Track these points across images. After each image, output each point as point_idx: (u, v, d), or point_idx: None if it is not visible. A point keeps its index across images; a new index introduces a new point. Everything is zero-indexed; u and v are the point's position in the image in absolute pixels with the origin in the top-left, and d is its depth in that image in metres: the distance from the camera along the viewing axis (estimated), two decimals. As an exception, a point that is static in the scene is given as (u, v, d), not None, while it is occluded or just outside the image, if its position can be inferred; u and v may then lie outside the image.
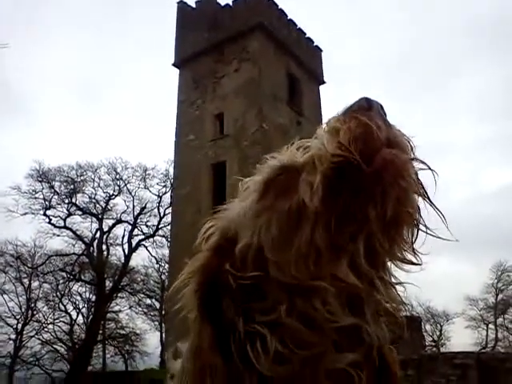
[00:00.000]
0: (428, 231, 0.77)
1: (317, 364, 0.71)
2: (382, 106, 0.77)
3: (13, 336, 35.88)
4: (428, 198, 0.77)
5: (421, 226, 0.76)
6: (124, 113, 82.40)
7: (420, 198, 0.76)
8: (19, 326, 36.16)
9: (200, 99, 23.49)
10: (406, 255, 0.77)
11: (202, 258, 0.85)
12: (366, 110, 0.75)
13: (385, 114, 0.76)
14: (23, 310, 36.79)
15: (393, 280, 0.79)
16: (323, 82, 27.11)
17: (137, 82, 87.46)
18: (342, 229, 0.71)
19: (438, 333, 43.10)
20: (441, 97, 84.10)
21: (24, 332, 36.25)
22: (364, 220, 0.70)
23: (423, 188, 0.77)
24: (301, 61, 24.98)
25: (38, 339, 36.58)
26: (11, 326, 36.03)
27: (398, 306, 0.78)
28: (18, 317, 36.52)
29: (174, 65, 25.66)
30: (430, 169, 0.78)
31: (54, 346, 36.70)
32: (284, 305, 0.72)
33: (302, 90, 24.75)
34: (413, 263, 0.78)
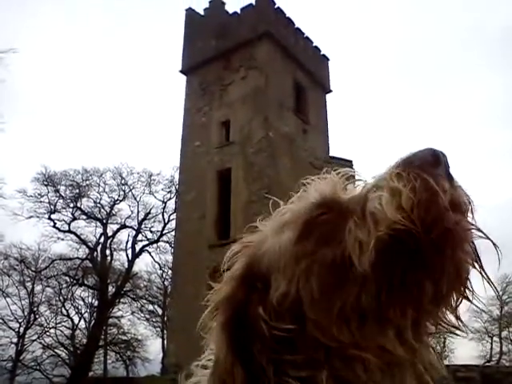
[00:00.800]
0: (474, 297, 0.77)
1: None
2: (447, 160, 0.71)
3: (15, 340, 35.89)
4: (483, 270, 0.74)
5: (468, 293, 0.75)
6: (130, 119, 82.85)
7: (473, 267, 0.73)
8: (21, 329, 36.16)
9: (207, 106, 23.56)
10: (450, 320, 0.77)
11: (228, 288, 0.81)
12: (431, 165, 0.69)
13: (450, 169, 0.71)
14: (26, 313, 36.81)
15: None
16: (330, 91, 27.12)
17: (144, 89, 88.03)
18: (393, 299, 0.68)
19: (441, 345, 42.76)
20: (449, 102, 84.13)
21: (26, 336, 36.24)
22: (418, 294, 0.68)
23: (479, 259, 0.73)
24: (308, 69, 25.02)
25: (40, 343, 36.56)
26: (13, 330, 36.05)
27: (436, 369, 0.77)
28: (20, 320, 36.55)
29: (181, 71, 25.78)
30: (487, 238, 0.74)
31: (56, 351, 36.64)
32: (322, 366, 0.70)
33: (309, 98, 24.77)
34: (455, 327, 0.78)
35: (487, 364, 31.73)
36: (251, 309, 0.77)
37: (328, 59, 27.79)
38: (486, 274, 0.74)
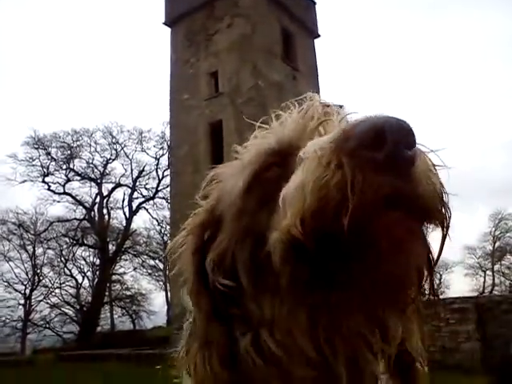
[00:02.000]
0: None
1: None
2: (400, 136, 0.57)
3: (22, 301, 36.69)
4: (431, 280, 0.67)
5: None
6: (117, 76, 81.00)
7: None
8: (27, 291, 36.89)
9: (193, 57, 23.06)
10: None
11: (198, 219, 0.84)
12: (368, 146, 0.56)
13: (402, 149, 0.57)
14: (29, 276, 37.42)
15: None
16: (318, 36, 26.54)
17: (129, 44, 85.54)
18: (302, 299, 0.64)
19: (437, 281, 44.10)
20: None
21: (32, 297, 37.03)
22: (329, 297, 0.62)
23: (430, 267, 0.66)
24: (294, 14, 24.36)
25: (47, 303, 37.43)
26: (19, 292, 36.78)
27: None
28: (25, 283, 37.22)
29: (165, 23, 25.06)
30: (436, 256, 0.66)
31: (63, 309, 37.57)
32: (249, 330, 0.72)
33: (297, 44, 24.26)
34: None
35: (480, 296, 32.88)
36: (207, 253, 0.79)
37: (315, 3, 27.02)
38: (433, 289, 0.68)
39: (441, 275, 43.89)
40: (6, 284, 36.30)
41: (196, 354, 0.77)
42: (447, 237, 0.65)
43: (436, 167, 0.63)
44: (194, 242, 0.82)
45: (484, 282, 42.07)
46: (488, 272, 42.16)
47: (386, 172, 0.56)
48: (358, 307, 0.63)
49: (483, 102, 79.41)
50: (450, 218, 0.64)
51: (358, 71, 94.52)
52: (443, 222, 0.63)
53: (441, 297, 35.18)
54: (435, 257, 0.66)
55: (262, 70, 21.22)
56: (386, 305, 0.65)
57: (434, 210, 0.61)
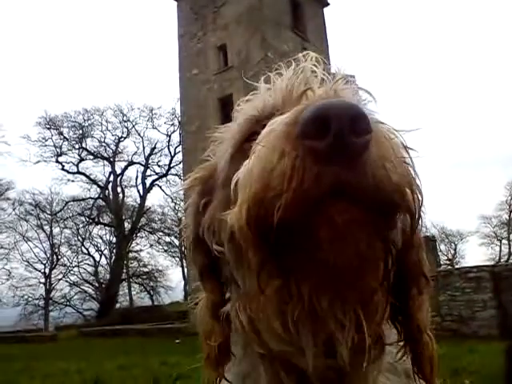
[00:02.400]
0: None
1: None
2: (355, 120, 0.55)
3: (42, 280, 37.53)
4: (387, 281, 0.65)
5: None
6: (125, 53, 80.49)
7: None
8: (47, 270, 37.68)
9: (201, 31, 22.71)
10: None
11: (198, 180, 0.89)
12: (311, 135, 0.55)
13: (348, 137, 0.54)
14: (48, 255, 38.14)
15: None
16: (327, 4, 25.90)
17: (136, 20, 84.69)
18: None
19: (452, 252, 43.96)
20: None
21: (52, 276, 37.84)
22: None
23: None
24: (302, -18, 23.74)
25: (66, 281, 38.24)
26: (39, 271, 37.59)
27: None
28: (44, 262, 37.98)
29: (170, -3, 24.64)
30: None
31: (82, 287, 38.36)
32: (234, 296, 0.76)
33: (306, 13, 23.71)
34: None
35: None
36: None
37: (323, -31, 26.29)
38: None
39: (456, 245, 43.74)
40: (26, 263, 37.14)
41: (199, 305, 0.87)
42: (417, 224, 0.63)
43: (401, 151, 0.60)
44: (195, 202, 0.87)
45: (500, 252, 41.80)
46: (504, 241, 41.85)
47: (329, 162, 0.54)
48: (317, 292, 0.62)
49: (500, 73, 77.52)
50: (417, 204, 0.62)
51: (368, 39, 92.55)
52: (408, 210, 0.61)
53: (456, 266, 35.23)
54: (398, 244, 0.65)
55: (271, 42, 20.85)
56: (345, 291, 0.63)
57: (389, 198, 0.57)
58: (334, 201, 0.55)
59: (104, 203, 37.36)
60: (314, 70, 0.78)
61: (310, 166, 0.54)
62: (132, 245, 38.61)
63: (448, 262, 41.48)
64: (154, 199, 52.55)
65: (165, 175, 37.94)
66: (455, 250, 43.98)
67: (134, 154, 37.94)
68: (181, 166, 28.65)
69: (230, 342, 0.83)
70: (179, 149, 32.50)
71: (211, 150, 0.90)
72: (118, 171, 37.89)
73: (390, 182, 0.57)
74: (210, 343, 0.83)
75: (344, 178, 0.54)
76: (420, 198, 0.62)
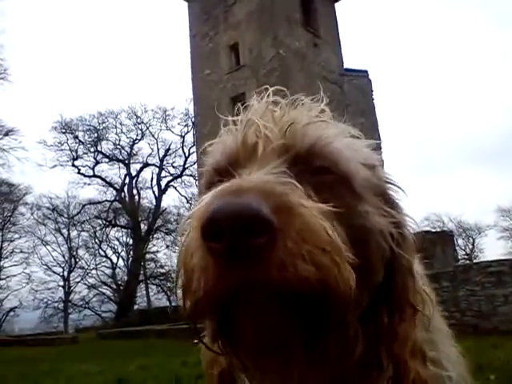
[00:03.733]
0: None
1: None
2: (248, 222, 0.56)
3: (61, 283, 37.98)
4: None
5: None
6: (137, 56, 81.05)
7: None
8: (65, 273, 38.13)
9: (212, 31, 22.74)
10: None
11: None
12: (212, 239, 0.57)
13: (257, 231, 0.56)
14: (66, 258, 38.59)
15: None
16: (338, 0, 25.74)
17: (148, 22, 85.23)
18: None
19: (470, 246, 43.40)
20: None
21: (70, 278, 38.27)
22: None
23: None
24: (312, -22, 23.61)
25: (84, 284, 38.63)
26: (58, 274, 38.06)
27: None
28: (62, 265, 38.43)
29: (181, -2, 24.73)
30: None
31: (100, 289, 38.71)
32: None
33: (317, 9, 23.58)
34: None
35: (517, 259, 32.17)
36: None
37: (333, -36, 26.09)
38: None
39: (474, 239, 43.17)
40: (45, 267, 37.63)
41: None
42: (327, 311, 0.63)
43: (320, 239, 0.60)
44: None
45: (520, 245, 41.12)
46: (524, 234, 41.15)
47: (229, 262, 0.56)
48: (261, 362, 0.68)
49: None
50: (342, 290, 0.61)
51: (380, 34, 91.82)
52: (329, 298, 0.61)
53: (475, 261, 34.84)
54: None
55: (282, 39, 20.78)
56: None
57: (301, 291, 0.58)
58: (241, 297, 0.59)
59: (120, 205, 37.65)
60: (263, 123, 0.78)
61: (212, 266, 0.57)
62: (149, 246, 38.84)
63: (466, 257, 40.97)
64: (170, 200, 52.87)
65: (179, 176, 38.14)
66: (473, 244, 43.42)
67: (148, 156, 38.22)
68: (195, 166, 28.77)
69: (232, 371, 0.82)
70: (193, 149, 32.68)
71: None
72: (134, 173, 38.20)
73: (305, 279, 0.57)
74: (213, 372, 0.85)
75: (246, 276, 0.56)
76: (344, 285, 0.61)
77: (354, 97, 22.22)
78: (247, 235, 0.55)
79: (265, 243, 0.56)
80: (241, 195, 0.58)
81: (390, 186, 0.86)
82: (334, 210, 0.66)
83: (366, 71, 23.79)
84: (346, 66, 23.98)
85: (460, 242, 41.76)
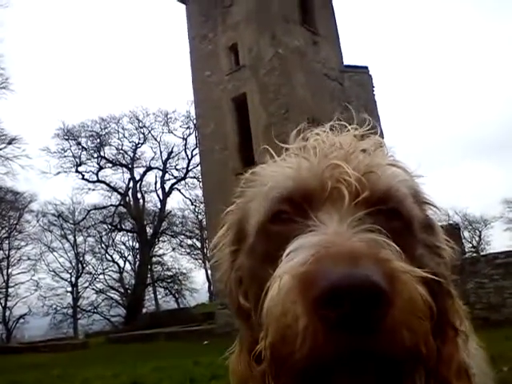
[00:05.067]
0: None
1: None
2: (369, 295, 0.57)
3: (69, 289, 38.11)
4: None
5: None
6: (137, 60, 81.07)
7: None
8: (73, 279, 38.24)
9: (211, 32, 22.74)
10: None
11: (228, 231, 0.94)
12: (328, 307, 0.57)
13: (376, 305, 0.57)
14: (73, 264, 38.70)
15: None
16: (335, -4, 25.66)
17: (145, 27, 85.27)
18: None
19: (477, 238, 43.27)
20: None
21: (78, 284, 38.39)
22: None
23: None
24: (309, -24, 23.58)
25: (92, 289, 38.75)
26: (66, 280, 38.19)
27: None
28: (70, 271, 38.55)
29: (179, 0, 24.74)
30: None
31: (108, 294, 38.83)
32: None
33: (314, 7, 23.52)
34: None
35: (524, 249, 31.99)
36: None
37: (329, -39, 26.04)
38: None
39: (480, 231, 43.03)
40: (52, 273, 37.78)
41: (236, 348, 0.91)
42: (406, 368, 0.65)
43: (419, 309, 0.63)
44: (229, 247, 0.93)
45: (527, 236, 40.95)
46: (531, 225, 40.97)
47: (342, 331, 0.57)
48: None
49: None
50: (429, 355, 0.65)
51: (378, 29, 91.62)
52: (419, 361, 0.64)
53: (482, 253, 34.72)
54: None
55: (281, 38, 20.77)
56: None
57: (401, 358, 0.61)
58: (344, 365, 0.59)
59: (125, 210, 37.73)
60: (342, 164, 0.78)
61: (322, 332, 0.57)
62: (155, 249, 38.95)
63: (473, 250, 40.84)
64: (174, 203, 52.99)
65: (183, 178, 38.21)
66: (480, 236, 43.29)
67: (151, 160, 38.31)
68: (198, 168, 28.77)
69: None
70: (196, 151, 32.70)
71: (240, 191, 0.94)
72: (137, 177, 38.29)
73: (404, 345, 0.60)
74: None
75: (356, 345, 0.57)
76: (432, 351, 0.65)
77: (354, 93, 22.20)
78: (367, 307, 0.56)
79: (381, 316, 0.58)
80: (357, 264, 0.58)
81: (429, 208, 0.88)
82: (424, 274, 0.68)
83: (366, 67, 23.74)
84: (345, 62, 23.94)
85: (466, 234, 41.68)
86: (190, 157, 37.14)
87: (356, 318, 0.57)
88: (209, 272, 34.98)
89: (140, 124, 37.41)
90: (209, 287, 37.60)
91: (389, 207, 0.77)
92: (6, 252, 36.16)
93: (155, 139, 37.86)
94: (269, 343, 0.64)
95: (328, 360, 0.59)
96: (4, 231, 36.24)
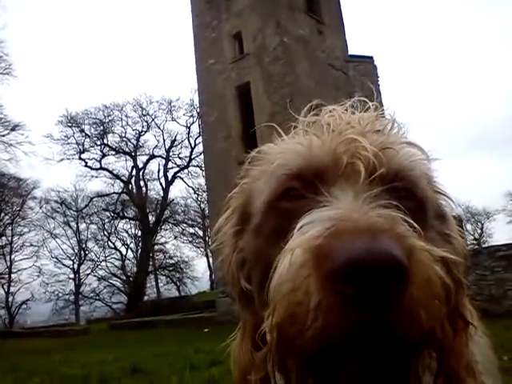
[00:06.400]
0: None
1: None
2: (389, 270, 0.55)
3: (71, 275, 38.36)
4: None
5: None
6: (140, 47, 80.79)
7: None
8: (75, 266, 38.48)
9: (215, 20, 22.59)
10: None
11: (234, 210, 0.91)
12: (345, 282, 0.55)
13: (395, 279, 0.55)
14: (76, 251, 38.91)
15: None
16: (341, -16, 25.43)
17: (150, 14, 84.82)
18: None
19: (479, 231, 43.27)
20: None
21: (80, 271, 38.65)
22: None
23: None
24: (315, -37, 23.33)
25: (95, 276, 39.00)
26: (68, 267, 38.43)
27: None
28: (72, 258, 38.78)
29: (183, -13, 24.57)
30: None
31: (110, 281, 39.06)
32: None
33: (320, -5, 23.33)
34: None
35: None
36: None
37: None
38: None
39: (482, 224, 43.02)
40: (55, 260, 38.01)
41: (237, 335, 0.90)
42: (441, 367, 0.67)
43: (437, 290, 0.61)
44: (233, 228, 0.89)
45: (529, 228, 40.91)
46: (533, 218, 40.93)
47: (358, 308, 0.55)
48: None
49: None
50: (442, 339, 0.64)
51: (383, 20, 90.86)
52: (431, 345, 0.64)
53: (484, 245, 34.71)
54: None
55: (286, 26, 20.62)
56: None
57: (415, 339, 0.59)
58: (354, 347, 0.57)
59: (128, 197, 37.82)
60: (358, 138, 0.76)
61: (338, 308, 0.55)
62: (157, 237, 39.08)
63: (475, 242, 40.86)
64: (177, 191, 53.04)
65: (186, 167, 38.21)
66: (482, 229, 43.30)
67: (154, 148, 38.30)
68: (201, 156, 28.75)
69: (272, 377, 0.78)
70: (199, 140, 32.63)
71: (245, 171, 0.91)
72: (140, 165, 38.32)
73: (421, 326, 0.58)
74: (251, 378, 0.81)
75: (374, 321, 0.55)
76: (447, 337, 0.65)
77: (359, 83, 22.08)
78: (388, 282, 0.54)
79: (399, 293, 0.56)
80: (377, 239, 0.56)
81: (442, 198, 0.87)
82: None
83: (371, 57, 23.59)
84: (350, 52, 23.79)
85: (468, 227, 41.66)
86: (193, 145, 37.15)
87: (375, 294, 0.54)
88: (210, 260, 35.08)
89: (143, 112, 37.39)
90: (210, 276, 37.79)
91: (403, 186, 0.76)
92: (9, 238, 36.36)
93: (158, 127, 37.86)
94: (276, 322, 0.61)
95: (339, 341, 0.57)
96: (7, 217, 36.39)
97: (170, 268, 39.67)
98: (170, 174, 38.45)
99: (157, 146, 38.13)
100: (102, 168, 37.45)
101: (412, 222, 0.67)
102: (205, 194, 30.20)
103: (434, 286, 0.60)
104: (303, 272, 0.58)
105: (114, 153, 37.85)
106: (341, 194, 0.70)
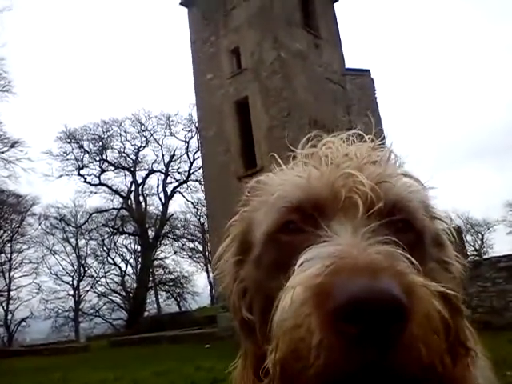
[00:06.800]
0: None
1: None
2: (390, 310, 0.55)
3: (71, 292, 38.12)
4: None
5: None
6: (139, 63, 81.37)
7: None
8: (75, 282, 38.27)
9: (213, 36, 22.78)
10: None
11: (234, 239, 0.91)
12: (346, 321, 0.55)
13: (395, 318, 0.56)
14: (75, 267, 38.72)
15: None
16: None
17: (148, 30, 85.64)
18: None
19: (479, 242, 43.15)
20: None
21: (80, 287, 38.41)
22: None
23: None
24: (311, -21, 23.62)
25: (94, 292, 38.76)
26: (67, 283, 38.21)
27: None
28: (72, 274, 38.58)
29: (181, 4, 24.81)
30: None
31: (110, 297, 38.83)
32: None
33: (316, 10, 23.57)
34: None
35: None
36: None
37: (331, -35, 26.09)
38: None
39: (482, 235, 42.90)
40: (54, 276, 37.81)
41: (239, 363, 0.88)
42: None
43: (436, 324, 0.61)
44: (233, 257, 0.89)
45: (530, 239, 40.81)
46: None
47: (359, 346, 0.55)
48: None
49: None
50: (440, 376, 0.63)
51: (380, 32, 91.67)
52: (434, 376, 0.62)
53: (484, 256, 34.63)
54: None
55: (283, 41, 20.79)
56: None
57: (416, 373, 0.59)
58: (358, 381, 0.57)
59: (127, 213, 37.77)
60: (355, 173, 0.76)
61: (338, 348, 0.55)
62: (157, 252, 38.95)
63: (475, 253, 40.72)
64: (176, 206, 53.03)
65: (185, 181, 38.22)
66: (482, 239, 43.17)
67: (153, 163, 38.35)
68: (200, 171, 28.78)
69: None
70: (198, 154, 32.67)
71: (245, 200, 0.92)
72: (139, 180, 38.34)
73: (421, 362, 0.58)
74: None
75: (375, 360, 0.55)
76: (448, 370, 0.64)
77: (356, 96, 22.22)
78: (387, 322, 0.55)
79: (399, 331, 0.56)
80: (377, 277, 0.56)
81: (439, 223, 0.87)
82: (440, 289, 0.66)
83: (367, 70, 23.78)
84: (347, 65, 23.98)
85: (468, 238, 41.57)
86: (192, 160, 37.23)
87: (376, 333, 0.55)
88: (210, 275, 34.92)
89: (142, 127, 37.53)
90: (210, 290, 37.56)
91: (401, 218, 0.76)
92: (8, 255, 36.23)
93: (157, 142, 37.97)
94: (279, 358, 0.61)
95: (341, 378, 0.57)
96: (6, 234, 36.30)
97: (170, 283, 39.49)
98: (169, 189, 38.51)
99: (156, 160, 38.25)
100: (101, 184, 37.48)
101: (410, 257, 0.67)
102: (204, 209, 30.17)
103: (433, 322, 0.61)
104: (304, 310, 0.59)
105: (113, 168, 37.94)
106: (340, 229, 0.71)
